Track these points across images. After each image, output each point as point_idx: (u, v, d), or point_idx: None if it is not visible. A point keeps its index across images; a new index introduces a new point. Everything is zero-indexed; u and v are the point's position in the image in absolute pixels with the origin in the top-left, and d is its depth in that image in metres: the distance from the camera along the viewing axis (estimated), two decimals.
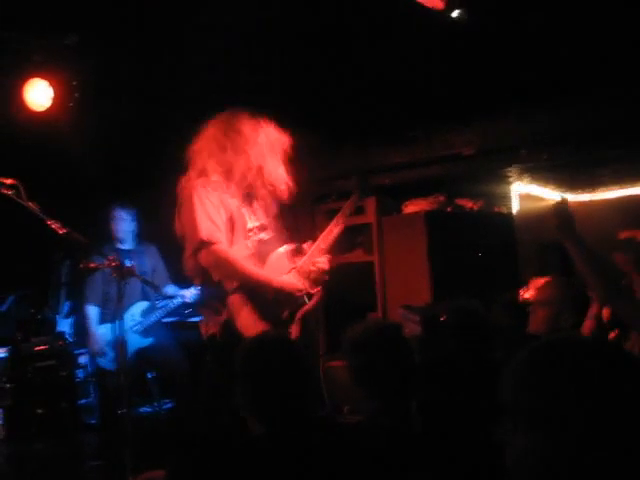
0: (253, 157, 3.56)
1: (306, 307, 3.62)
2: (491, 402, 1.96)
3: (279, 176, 3.64)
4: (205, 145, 3.61)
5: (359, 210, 5.31)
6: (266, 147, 3.60)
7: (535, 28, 4.37)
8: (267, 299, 3.47)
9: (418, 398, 2.42)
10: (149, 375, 5.36)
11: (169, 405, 5.36)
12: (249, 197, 3.68)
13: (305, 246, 3.75)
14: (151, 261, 5.31)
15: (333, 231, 3.77)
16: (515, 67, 4.68)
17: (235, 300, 3.41)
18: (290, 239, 3.93)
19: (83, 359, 5.73)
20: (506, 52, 4.55)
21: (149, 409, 5.33)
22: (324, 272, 3.65)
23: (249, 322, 3.37)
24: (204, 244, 3.39)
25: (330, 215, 5.71)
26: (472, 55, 4.58)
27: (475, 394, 2.34)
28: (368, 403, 3.09)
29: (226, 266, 3.43)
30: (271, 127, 3.65)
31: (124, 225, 5.26)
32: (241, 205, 3.62)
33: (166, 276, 5.33)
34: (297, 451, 2.04)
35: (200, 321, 3.62)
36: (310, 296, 3.64)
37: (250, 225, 3.63)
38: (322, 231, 3.90)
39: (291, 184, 3.67)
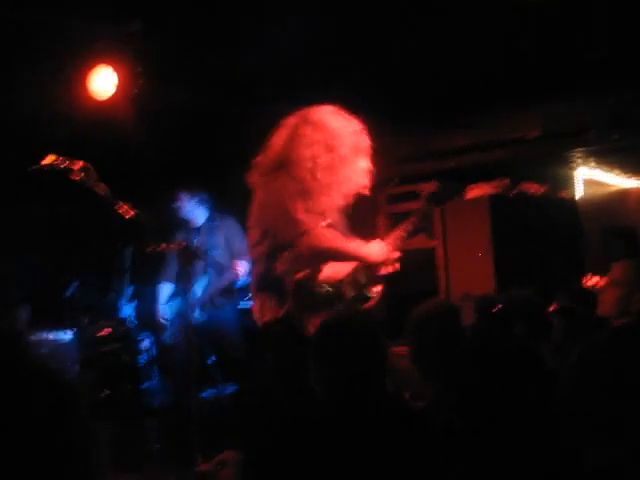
0: (336, 155, 3.54)
1: (368, 304, 3.65)
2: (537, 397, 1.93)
3: (360, 173, 3.63)
4: (286, 138, 3.59)
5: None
6: (350, 145, 3.58)
7: (603, 7, 4.25)
8: (325, 297, 3.49)
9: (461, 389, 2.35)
10: (211, 359, 5.41)
11: (232, 389, 5.39)
12: (323, 194, 3.67)
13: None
14: (222, 236, 5.36)
15: (403, 235, 3.78)
16: (582, 47, 4.57)
17: (300, 290, 3.44)
18: (351, 225, 3.94)
19: (146, 343, 5.81)
20: (573, 31, 4.44)
21: (212, 393, 5.37)
22: (391, 265, 3.69)
23: (314, 314, 3.39)
24: (306, 231, 3.39)
25: (392, 200, 5.69)
26: (539, 35, 4.47)
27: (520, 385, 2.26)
28: (428, 388, 3.07)
29: (330, 246, 3.47)
30: (354, 123, 3.62)
31: (188, 208, 5.35)
32: (317, 202, 3.59)
33: (241, 251, 5.30)
34: (369, 428, 2.05)
35: (254, 307, 3.63)
36: (369, 297, 3.67)
37: (323, 224, 3.62)
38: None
39: (369, 180, 3.67)
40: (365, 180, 3.64)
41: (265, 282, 3.59)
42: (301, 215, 3.40)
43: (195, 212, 5.41)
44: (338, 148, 3.52)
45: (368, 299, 3.65)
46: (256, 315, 3.60)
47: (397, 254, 3.70)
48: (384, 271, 3.66)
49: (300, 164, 3.49)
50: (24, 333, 5.11)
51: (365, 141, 3.63)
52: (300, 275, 3.44)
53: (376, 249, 3.63)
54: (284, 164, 3.55)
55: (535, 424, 2.01)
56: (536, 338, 3.16)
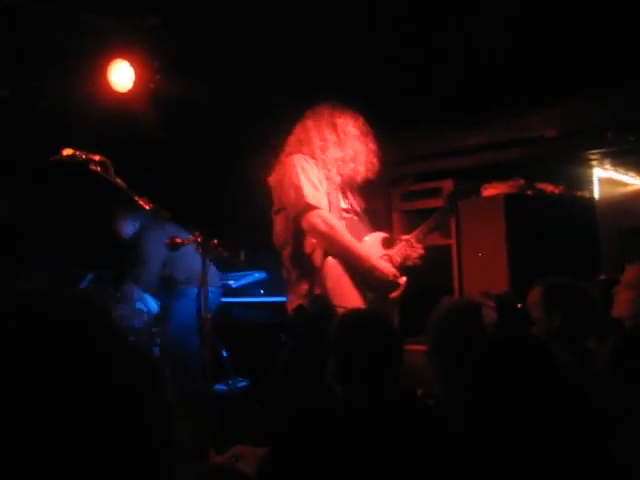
0: (348, 152, 3.68)
1: (392, 295, 3.71)
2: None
3: (368, 163, 3.76)
4: (304, 136, 3.74)
5: (436, 192, 5.24)
6: (354, 124, 3.73)
7: (621, 6, 4.22)
8: (358, 274, 3.54)
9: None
10: (224, 353, 5.43)
11: (243, 383, 5.42)
12: (342, 187, 3.81)
13: (402, 237, 3.88)
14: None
15: (424, 235, 3.84)
16: (600, 45, 4.54)
17: (333, 267, 3.48)
18: (368, 220, 4.02)
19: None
20: (592, 29, 4.41)
21: (223, 387, 5.39)
22: (418, 257, 3.75)
23: (344, 290, 3.44)
24: (310, 207, 3.48)
25: (406, 198, 5.68)
26: (556, 32, 4.45)
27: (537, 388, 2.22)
28: (440, 385, 3.06)
29: (329, 232, 3.52)
30: (360, 118, 3.77)
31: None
32: (335, 189, 3.73)
33: None
34: (383, 424, 2.06)
35: (287, 300, 3.70)
36: (395, 286, 3.72)
37: (344, 206, 3.73)
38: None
39: (376, 166, 3.80)
40: (373, 159, 3.77)
41: (294, 264, 3.65)
42: (307, 190, 3.49)
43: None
44: (342, 125, 3.68)
45: (395, 288, 3.71)
46: (289, 302, 3.68)
47: (404, 280, 3.73)
48: (392, 296, 3.72)
49: (309, 143, 3.63)
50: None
51: (367, 126, 3.80)
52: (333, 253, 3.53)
53: (387, 268, 3.65)
54: (295, 149, 3.68)
55: (549, 426, 1.99)
56: (572, 331, 3.10)
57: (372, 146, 3.85)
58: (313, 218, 3.50)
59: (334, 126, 3.75)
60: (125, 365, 0.64)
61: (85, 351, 0.62)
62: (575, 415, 1.87)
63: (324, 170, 3.69)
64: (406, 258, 3.75)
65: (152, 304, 5.60)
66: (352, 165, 3.76)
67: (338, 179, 3.74)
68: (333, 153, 3.70)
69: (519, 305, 3.26)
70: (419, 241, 3.80)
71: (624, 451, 1.17)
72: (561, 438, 1.88)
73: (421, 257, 3.79)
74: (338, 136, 3.73)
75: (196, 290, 5.13)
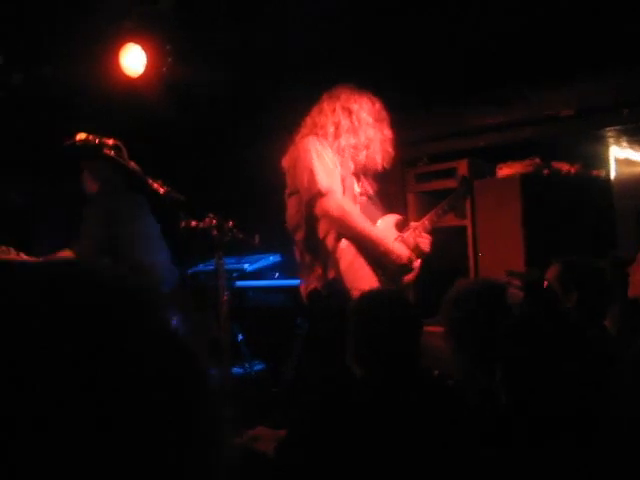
0: (361, 140, 3.66)
1: (406, 278, 3.71)
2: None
3: (383, 151, 3.75)
4: (318, 119, 3.73)
5: (451, 173, 5.21)
6: (368, 110, 3.72)
7: None
8: (372, 257, 3.54)
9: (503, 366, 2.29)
10: (240, 337, 5.44)
11: (260, 366, 5.44)
12: (356, 172, 3.80)
13: (412, 223, 3.88)
14: None
15: (438, 217, 3.85)
16: (617, 22, 4.48)
17: (346, 250, 3.48)
18: (381, 203, 4.01)
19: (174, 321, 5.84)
20: (609, 6, 4.35)
21: (240, 370, 5.41)
22: (424, 251, 3.75)
23: (358, 273, 3.44)
24: (322, 192, 3.47)
25: (421, 179, 5.65)
26: (572, 10, 4.40)
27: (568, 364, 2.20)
28: (458, 364, 3.04)
29: (343, 217, 3.52)
30: (377, 103, 3.75)
31: None
32: (350, 173, 3.72)
33: None
34: (406, 405, 2.05)
35: (300, 283, 3.69)
36: (410, 269, 3.73)
37: (357, 190, 3.72)
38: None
39: (391, 154, 3.79)
40: (388, 148, 3.76)
41: (307, 247, 3.65)
42: (321, 175, 3.48)
43: None
44: (357, 112, 3.66)
45: (410, 271, 3.71)
46: (302, 289, 3.68)
47: (417, 264, 3.72)
48: (407, 279, 3.73)
49: (323, 129, 3.62)
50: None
51: (384, 112, 3.77)
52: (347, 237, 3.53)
53: (402, 250, 3.65)
54: (310, 131, 3.67)
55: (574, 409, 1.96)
56: (590, 310, 3.07)
57: (388, 134, 3.83)
58: (326, 203, 3.49)
59: (349, 112, 3.72)
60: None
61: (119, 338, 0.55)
62: (608, 399, 1.84)
63: (338, 155, 3.67)
64: (416, 246, 3.74)
65: None
66: (366, 153, 3.74)
67: (352, 165, 3.73)
68: (347, 139, 3.69)
69: (546, 283, 3.22)
70: (429, 227, 3.80)
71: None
72: (594, 423, 1.85)
73: (427, 251, 3.78)
74: (352, 122, 3.71)
75: None
